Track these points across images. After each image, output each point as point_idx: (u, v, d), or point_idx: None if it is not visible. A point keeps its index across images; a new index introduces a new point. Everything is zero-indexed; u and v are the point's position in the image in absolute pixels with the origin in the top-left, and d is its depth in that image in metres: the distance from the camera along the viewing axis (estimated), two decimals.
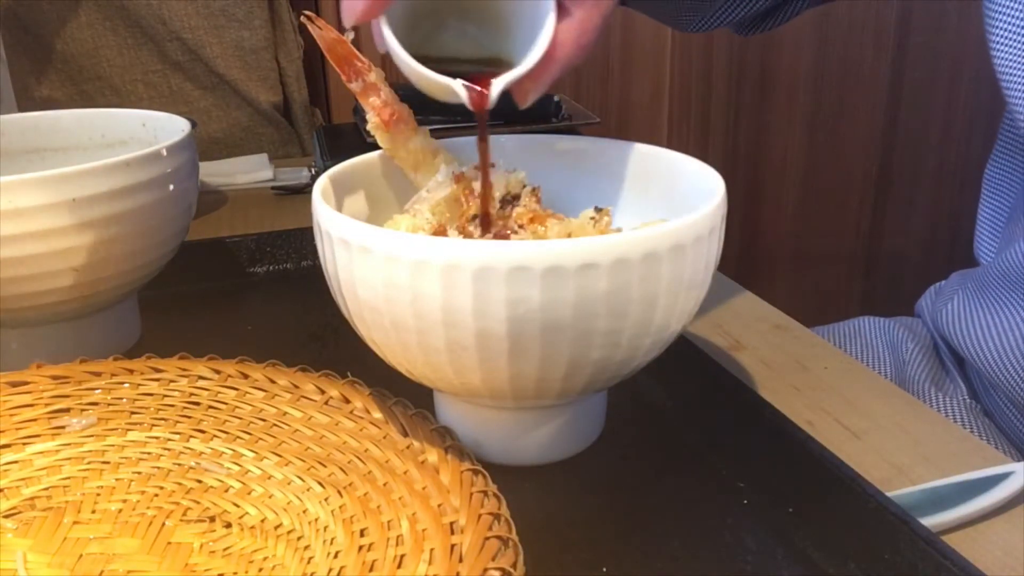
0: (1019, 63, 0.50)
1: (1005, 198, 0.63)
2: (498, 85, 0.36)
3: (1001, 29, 0.51)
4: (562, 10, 0.36)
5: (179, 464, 0.37)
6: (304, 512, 0.34)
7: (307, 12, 0.43)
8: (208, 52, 1.00)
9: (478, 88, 0.36)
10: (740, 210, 1.46)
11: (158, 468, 0.37)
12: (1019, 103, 0.51)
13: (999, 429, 0.60)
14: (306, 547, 0.32)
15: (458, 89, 0.35)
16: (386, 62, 0.40)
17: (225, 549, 0.33)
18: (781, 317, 0.58)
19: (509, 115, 0.75)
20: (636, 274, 0.33)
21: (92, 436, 0.39)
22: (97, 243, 0.46)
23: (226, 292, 0.62)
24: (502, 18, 0.39)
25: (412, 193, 0.42)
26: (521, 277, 0.32)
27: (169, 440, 0.38)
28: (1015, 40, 0.50)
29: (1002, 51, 0.51)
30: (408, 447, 0.37)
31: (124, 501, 0.35)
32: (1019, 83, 0.51)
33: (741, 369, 0.51)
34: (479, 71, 0.37)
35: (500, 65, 0.38)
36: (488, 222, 0.40)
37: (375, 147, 0.44)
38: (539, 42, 0.36)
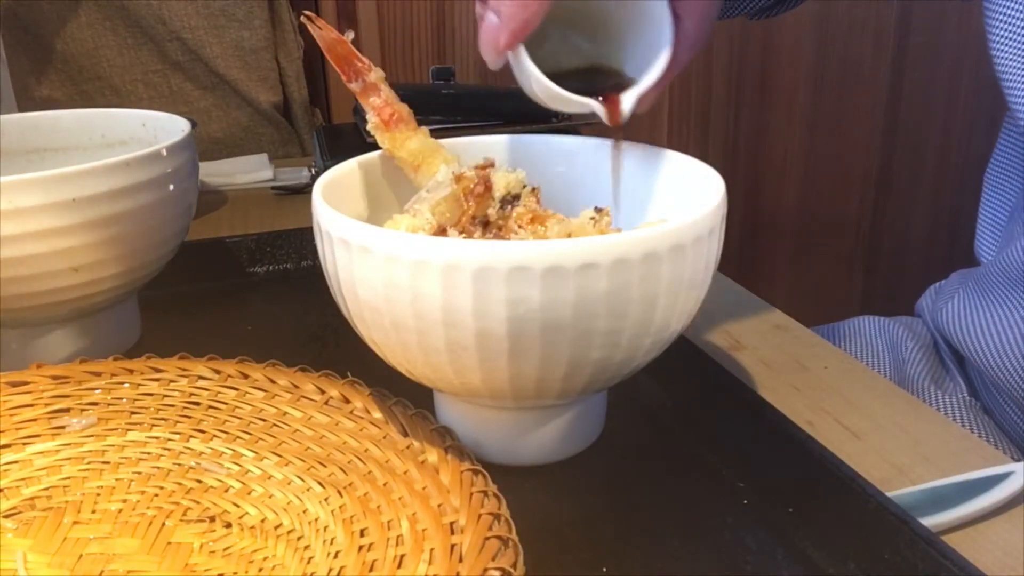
0: (1019, 62, 0.50)
1: (1006, 197, 0.63)
2: (629, 100, 0.39)
3: (1001, 29, 0.51)
4: (675, 16, 0.38)
5: (179, 464, 0.37)
6: (304, 512, 0.34)
7: (307, 12, 0.43)
8: (208, 52, 1.00)
9: (613, 107, 0.39)
10: (740, 210, 1.46)
11: (158, 468, 0.37)
12: (1020, 103, 0.50)
13: (999, 427, 0.60)
14: (306, 547, 0.32)
15: (597, 109, 0.39)
16: (386, 62, 0.40)
17: (225, 549, 0.33)
18: (781, 317, 0.58)
19: (509, 115, 0.75)
20: (636, 274, 0.33)
21: (92, 436, 0.39)
22: (97, 243, 0.46)
23: (226, 292, 0.62)
24: (609, 25, 0.41)
25: (412, 193, 0.42)
26: (521, 277, 0.32)
27: (169, 440, 0.38)
28: (1015, 40, 0.50)
29: (1002, 51, 0.51)
30: (408, 447, 0.37)
31: (124, 501, 0.35)
32: (1020, 83, 0.51)
33: (741, 369, 0.51)
34: (588, 83, 0.40)
35: (604, 73, 0.41)
36: (491, 223, 0.40)
37: (375, 147, 0.44)
38: (661, 54, 0.38)
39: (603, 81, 0.41)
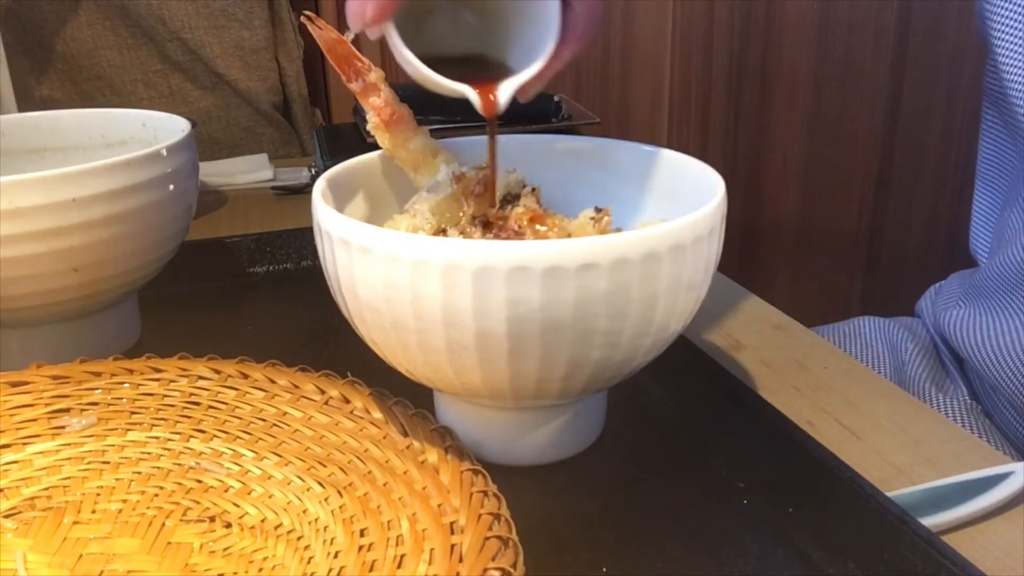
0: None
1: (996, 192, 0.63)
2: (506, 91, 0.36)
3: (1004, 20, 0.51)
4: (564, 1, 0.35)
5: (179, 464, 0.37)
6: (304, 512, 0.34)
7: (307, 12, 0.43)
8: (208, 52, 1.00)
9: (489, 95, 0.36)
10: (740, 210, 1.46)
11: (158, 468, 0.37)
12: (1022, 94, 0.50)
13: (999, 430, 0.60)
14: (306, 547, 0.32)
15: (471, 96, 0.36)
16: (386, 62, 0.39)
17: (225, 549, 0.33)
18: (781, 317, 0.58)
19: (509, 115, 0.75)
20: (636, 274, 0.33)
21: (92, 436, 0.39)
22: (97, 243, 0.46)
23: (226, 292, 0.62)
24: (496, 8, 0.39)
25: (412, 193, 0.42)
26: (521, 277, 0.32)
27: (169, 440, 0.38)
28: (1018, 33, 0.50)
29: (1005, 44, 0.51)
30: (408, 447, 0.37)
31: (124, 501, 0.35)
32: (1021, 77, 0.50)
33: (741, 369, 0.51)
34: (471, 73, 0.37)
35: (490, 65, 0.39)
36: (491, 223, 0.40)
37: (375, 147, 0.44)
38: (546, 43, 0.36)
39: (487, 73, 0.38)
